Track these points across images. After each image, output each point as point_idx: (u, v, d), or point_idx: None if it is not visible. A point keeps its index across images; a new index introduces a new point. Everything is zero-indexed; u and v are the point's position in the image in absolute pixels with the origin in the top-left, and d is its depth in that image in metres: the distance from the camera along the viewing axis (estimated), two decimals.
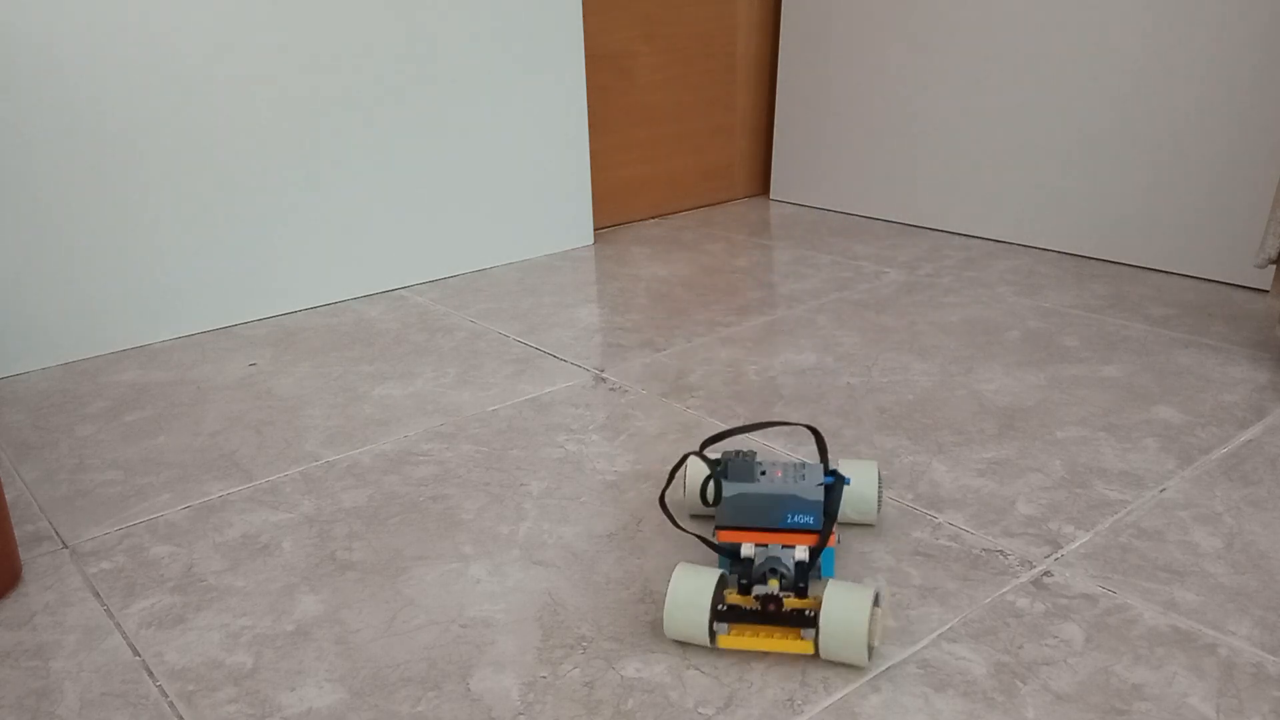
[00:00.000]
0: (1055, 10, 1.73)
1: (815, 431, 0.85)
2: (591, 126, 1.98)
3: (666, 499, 1.00)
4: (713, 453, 1.07)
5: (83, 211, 1.37)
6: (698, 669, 0.75)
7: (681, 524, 0.94)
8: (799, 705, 0.71)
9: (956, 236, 1.93)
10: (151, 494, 1.04)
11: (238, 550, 0.93)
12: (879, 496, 0.91)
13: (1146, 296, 1.55)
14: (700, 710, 0.71)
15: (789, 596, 0.77)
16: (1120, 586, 0.83)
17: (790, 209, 2.20)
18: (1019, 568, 0.86)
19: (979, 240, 1.90)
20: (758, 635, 0.76)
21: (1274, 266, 1.32)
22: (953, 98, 1.90)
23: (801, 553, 0.79)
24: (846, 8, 2.05)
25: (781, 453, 1.08)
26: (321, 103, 1.54)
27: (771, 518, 0.82)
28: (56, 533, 0.97)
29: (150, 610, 0.84)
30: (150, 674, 0.76)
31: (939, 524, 0.93)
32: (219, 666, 0.77)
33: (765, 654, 0.76)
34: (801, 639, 0.75)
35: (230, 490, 1.04)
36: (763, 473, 0.85)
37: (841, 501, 0.90)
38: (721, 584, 0.77)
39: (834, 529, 0.83)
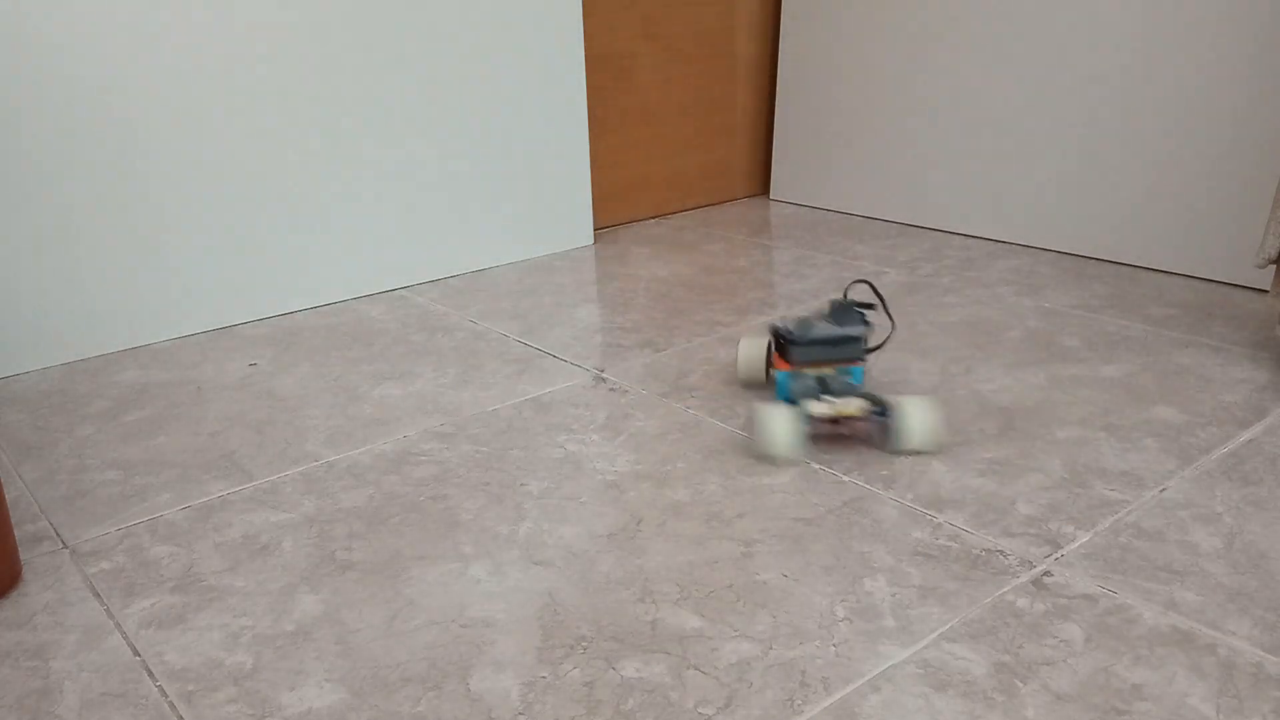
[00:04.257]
0: (1055, 10, 1.73)
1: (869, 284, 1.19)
2: (591, 126, 1.98)
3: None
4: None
5: (83, 211, 1.38)
6: (698, 669, 0.75)
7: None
8: (799, 705, 0.71)
9: (956, 236, 1.93)
10: (151, 494, 1.04)
11: (238, 550, 0.93)
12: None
13: (1146, 296, 1.55)
14: (700, 710, 0.71)
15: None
16: (1120, 586, 0.83)
17: (790, 209, 2.20)
18: (1019, 568, 0.86)
19: (979, 240, 1.90)
20: None
21: (1274, 266, 1.32)
22: (953, 98, 1.90)
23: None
24: (846, 8, 2.05)
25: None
26: (321, 102, 1.54)
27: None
28: (56, 533, 0.97)
29: (150, 610, 0.84)
30: (150, 674, 0.76)
31: (939, 524, 0.93)
32: (219, 666, 0.77)
33: (765, 653, 0.76)
34: None
35: (230, 490, 1.04)
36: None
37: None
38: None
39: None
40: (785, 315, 1.35)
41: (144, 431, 1.18)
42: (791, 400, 1.09)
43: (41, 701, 0.74)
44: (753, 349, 1.22)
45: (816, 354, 1.11)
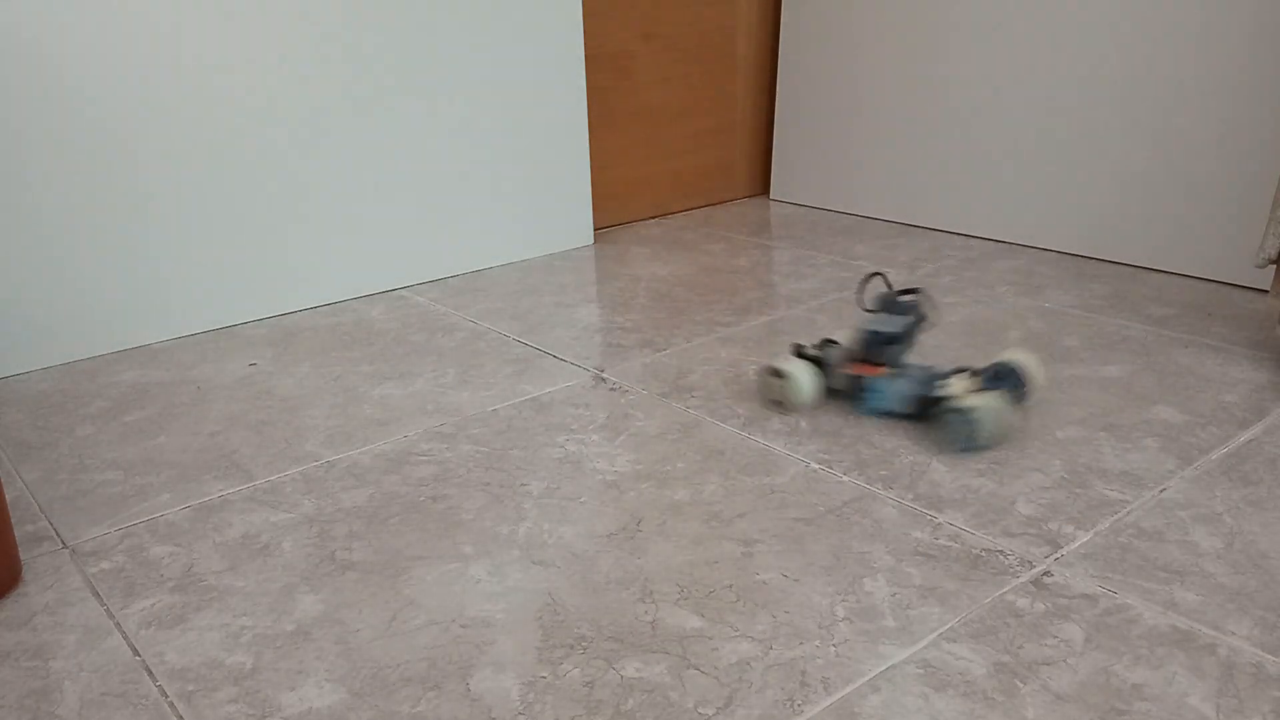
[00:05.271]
0: (1054, 10, 1.73)
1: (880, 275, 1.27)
2: (591, 126, 1.98)
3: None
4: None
5: (82, 212, 1.38)
6: (698, 669, 0.75)
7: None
8: (799, 705, 0.71)
9: (956, 236, 1.93)
10: (151, 494, 1.04)
11: (238, 550, 0.93)
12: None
13: (1146, 296, 1.55)
14: (700, 710, 0.71)
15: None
16: (1120, 586, 0.83)
17: (790, 209, 2.20)
18: (1019, 568, 0.86)
19: (979, 240, 1.90)
20: None
21: (1274, 266, 1.32)
22: (953, 98, 1.90)
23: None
24: (846, 8, 2.05)
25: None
26: (321, 102, 1.54)
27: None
28: (56, 533, 0.97)
29: (150, 610, 0.84)
30: (150, 674, 0.76)
31: (939, 524, 0.93)
32: (219, 666, 0.77)
33: (765, 653, 0.76)
34: None
35: (230, 490, 1.04)
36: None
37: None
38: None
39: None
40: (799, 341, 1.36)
41: (144, 431, 1.18)
42: (887, 409, 1.14)
43: (41, 701, 0.74)
44: (802, 371, 1.16)
45: (902, 350, 1.16)
